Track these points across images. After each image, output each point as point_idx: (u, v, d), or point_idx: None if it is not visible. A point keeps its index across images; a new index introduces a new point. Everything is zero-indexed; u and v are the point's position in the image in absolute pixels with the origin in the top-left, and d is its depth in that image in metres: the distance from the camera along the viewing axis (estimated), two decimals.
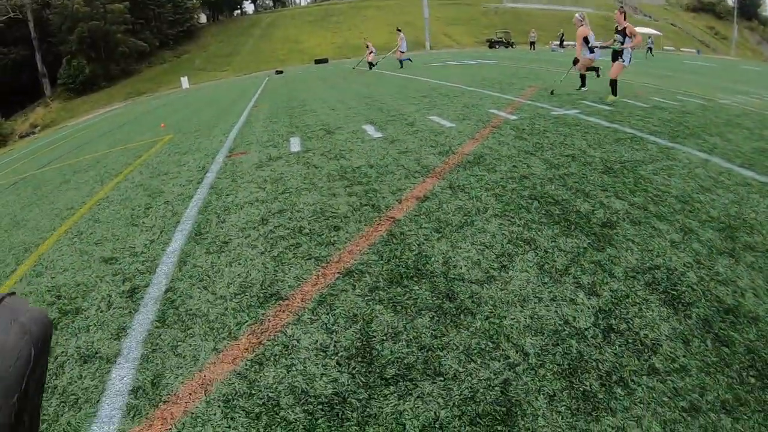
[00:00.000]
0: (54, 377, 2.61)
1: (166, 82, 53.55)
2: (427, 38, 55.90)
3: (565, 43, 52.65)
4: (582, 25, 11.26)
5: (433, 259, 3.35)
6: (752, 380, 2.20)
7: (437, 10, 70.72)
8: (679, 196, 4.40)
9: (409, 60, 23.52)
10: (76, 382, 2.53)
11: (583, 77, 11.54)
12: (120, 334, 2.88)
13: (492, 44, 56.99)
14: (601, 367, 2.29)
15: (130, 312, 3.12)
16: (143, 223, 4.84)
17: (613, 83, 9.92)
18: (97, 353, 2.73)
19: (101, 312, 3.19)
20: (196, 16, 77.90)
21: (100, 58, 58.11)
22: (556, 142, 6.36)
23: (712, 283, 2.99)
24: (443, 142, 6.61)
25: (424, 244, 3.59)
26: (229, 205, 4.90)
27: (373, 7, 79.51)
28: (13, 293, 1.11)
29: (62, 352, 2.80)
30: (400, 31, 23.21)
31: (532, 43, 48.28)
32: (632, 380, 2.21)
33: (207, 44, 69.91)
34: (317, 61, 50.46)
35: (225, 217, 4.57)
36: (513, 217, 3.96)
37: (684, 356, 2.36)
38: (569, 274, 3.09)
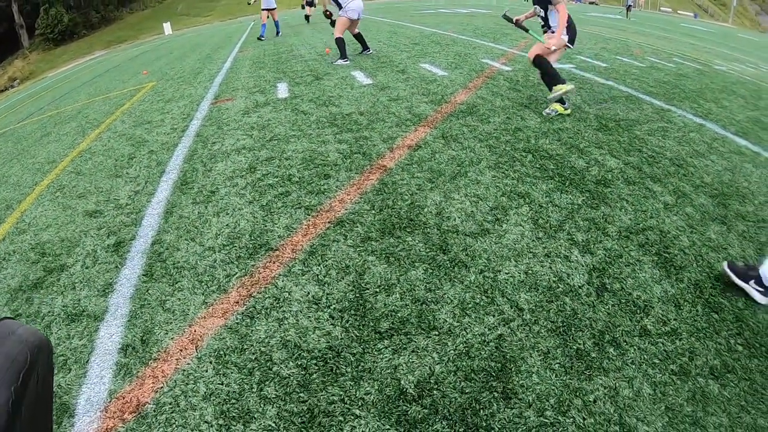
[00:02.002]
0: None
1: (148, 29, 51.97)
2: None
3: None
4: None
5: (426, 209, 3.30)
6: (740, 348, 2.22)
7: None
8: (673, 159, 4.37)
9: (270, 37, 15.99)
10: (63, 342, 2.46)
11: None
12: (107, 291, 2.81)
13: None
14: (594, 326, 2.28)
15: (117, 267, 3.04)
16: (127, 173, 4.68)
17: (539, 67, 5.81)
18: (84, 311, 2.66)
19: (87, 268, 3.10)
20: None
21: (79, 6, 56.30)
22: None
23: (704, 248, 2.99)
24: (435, 91, 6.47)
25: (416, 194, 3.53)
26: (216, 153, 4.77)
27: None
28: (9, 317, 1.22)
29: (48, 311, 2.73)
30: None
31: None
32: (624, 341, 2.21)
33: None
34: (304, 5, 49.26)
35: (211, 166, 4.45)
36: (507, 170, 3.90)
37: (675, 320, 2.36)
38: (563, 230, 3.06)
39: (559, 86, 5.54)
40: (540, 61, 5.62)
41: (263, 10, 15.60)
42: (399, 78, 7.38)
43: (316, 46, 12.13)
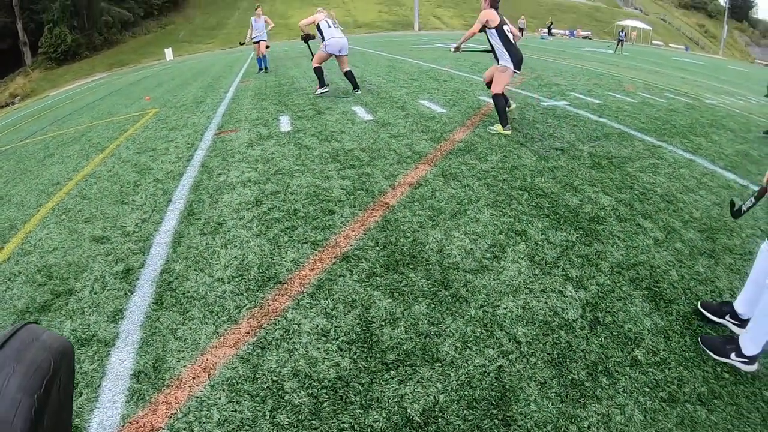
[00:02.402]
0: None
1: (150, 54, 52.67)
2: (416, 19, 55.51)
3: (553, 31, 52.75)
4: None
5: (427, 246, 3.44)
6: (726, 375, 2.35)
7: None
8: (663, 195, 4.56)
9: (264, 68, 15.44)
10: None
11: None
12: (117, 317, 2.90)
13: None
14: (587, 357, 2.40)
15: (126, 294, 3.13)
16: (133, 201, 4.81)
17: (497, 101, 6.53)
18: (94, 336, 2.74)
19: (95, 293, 3.19)
20: None
21: (83, 27, 56.99)
22: (546, 133, 6.46)
23: (693, 282, 3.14)
24: (434, 128, 6.67)
25: (418, 231, 3.67)
26: (221, 185, 4.91)
27: None
28: (33, 322, 1.18)
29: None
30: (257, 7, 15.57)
31: (522, 30, 48.39)
32: (616, 371, 2.34)
33: (192, 16, 68.74)
34: (304, 38, 50.06)
35: (218, 198, 4.58)
36: (504, 208, 4.06)
37: (664, 350, 2.49)
38: (558, 266, 3.20)
39: (499, 127, 6.51)
40: (496, 100, 6.48)
41: (255, 42, 15.21)
42: (399, 114, 7.59)
43: (316, 80, 12.38)
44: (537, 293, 2.90)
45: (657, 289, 3.02)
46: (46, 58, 54.28)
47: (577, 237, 3.62)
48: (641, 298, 2.92)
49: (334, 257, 3.34)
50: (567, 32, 62.07)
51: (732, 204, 3.29)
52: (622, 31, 34.19)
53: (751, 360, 2.44)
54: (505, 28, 6.60)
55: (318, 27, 9.06)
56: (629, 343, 2.53)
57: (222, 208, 4.33)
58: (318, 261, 3.31)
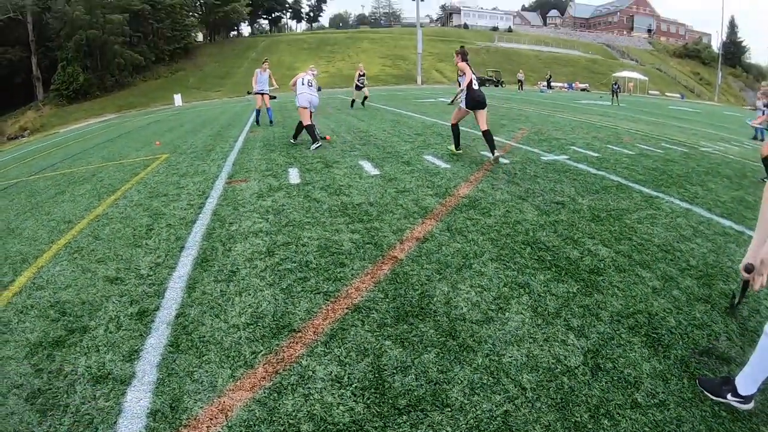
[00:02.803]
0: (65, 395, 2.70)
1: (159, 98, 53.81)
2: (419, 73, 56.85)
3: (552, 84, 53.99)
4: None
5: (435, 299, 3.57)
6: (723, 413, 2.47)
7: (430, 46, 72.10)
8: (661, 245, 4.73)
9: (263, 122, 15.61)
10: (89, 402, 2.62)
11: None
12: (132, 357, 3.00)
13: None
14: (590, 401, 2.51)
15: (141, 335, 3.24)
16: (146, 244, 4.97)
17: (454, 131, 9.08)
18: (109, 374, 2.84)
19: (110, 333, 3.30)
20: (193, 34, 78.91)
21: (96, 68, 58.47)
22: (546, 188, 6.67)
23: (690, 327, 3.28)
24: (440, 184, 6.89)
25: (426, 284, 3.81)
26: (234, 234, 5.07)
27: (367, 39, 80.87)
28: None
29: (72, 370, 2.90)
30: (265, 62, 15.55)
31: (520, 83, 49.61)
32: (617, 413, 2.45)
33: (202, 63, 70.40)
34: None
35: (231, 246, 4.73)
36: (508, 262, 4.21)
37: (663, 392, 2.61)
38: (560, 317, 3.33)
39: (452, 148, 9.27)
40: (452, 129, 9.10)
41: (256, 93, 15.09)
42: (405, 170, 7.82)
43: (322, 131, 12.71)
44: (540, 342, 3.02)
45: (655, 335, 3.14)
46: (57, 94, 55.63)
47: (578, 288, 3.76)
48: (640, 344, 3.04)
49: (346, 308, 3.47)
50: (566, 85, 63.43)
51: (733, 297, 3.62)
52: (615, 83, 35.28)
53: (746, 399, 2.55)
54: (474, 77, 8.57)
55: (295, 83, 10.37)
56: (629, 386, 2.64)
57: (235, 256, 4.48)
58: (331, 311, 3.44)
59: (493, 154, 8.28)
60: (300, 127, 10.73)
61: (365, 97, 21.25)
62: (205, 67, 68.80)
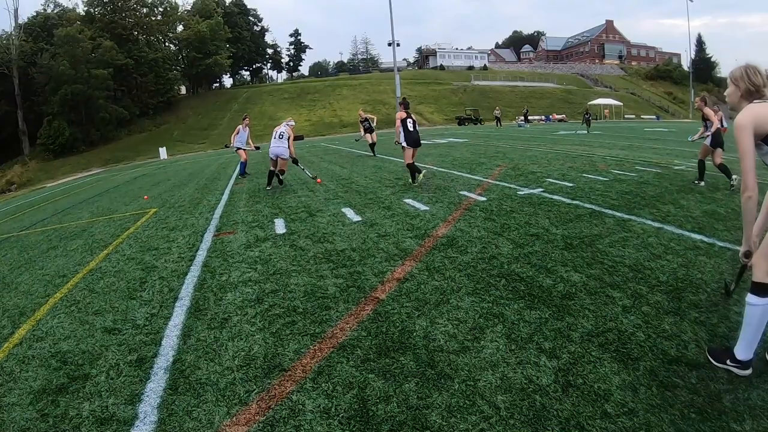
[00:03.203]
0: None
1: (144, 152, 54.43)
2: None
3: (529, 117, 55.18)
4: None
5: (414, 333, 3.80)
6: (693, 415, 2.67)
7: (409, 89, 73.49)
8: (631, 266, 5.01)
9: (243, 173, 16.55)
10: None
11: None
12: (134, 400, 3.19)
13: (461, 121, 59.58)
14: (561, 415, 2.73)
15: (141, 380, 3.44)
16: (141, 296, 5.21)
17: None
18: (113, 417, 3.02)
19: (111, 379, 3.49)
20: (176, 88, 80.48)
21: (81, 122, 59.37)
22: (522, 221, 6.99)
23: (659, 339, 3.50)
24: (419, 226, 7.18)
25: (406, 321, 4.04)
26: (224, 284, 5.31)
27: (347, 86, 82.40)
28: None
29: (76, 414, 3.08)
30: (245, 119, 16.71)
31: (498, 119, 50.69)
32: (588, 423, 2.65)
33: (186, 116, 71.38)
34: (294, 138, 51.86)
35: (222, 296, 4.97)
36: (483, 295, 4.46)
37: (632, 401, 2.81)
38: (533, 341, 3.57)
39: (419, 176, 11.02)
40: (409, 167, 11.16)
41: (237, 150, 16.29)
42: (385, 214, 8.13)
43: (307, 182, 13.06)
44: (513, 365, 3.25)
45: (624, 350, 3.37)
46: (44, 149, 56.35)
47: (550, 314, 4.01)
48: (610, 359, 3.27)
49: (332, 347, 3.69)
50: (543, 118, 64.80)
51: (726, 286, 4.05)
52: (587, 112, 36.38)
53: (743, 365, 2.99)
54: (408, 121, 11.07)
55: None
56: (599, 399, 2.86)
57: (227, 305, 4.71)
58: (317, 350, 3.66)
59: (414, 180, 11.09)
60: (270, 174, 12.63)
61: (372, 144, 20.32)
62: (188, 120, 69.80)
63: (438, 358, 3.41)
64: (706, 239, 5.80)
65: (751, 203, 2.84)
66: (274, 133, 12.27)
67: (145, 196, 13.98)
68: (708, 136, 9.92)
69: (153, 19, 77.67)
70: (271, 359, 3.58)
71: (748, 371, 2.99)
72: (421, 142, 11.55)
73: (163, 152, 48.98)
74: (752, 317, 2.93)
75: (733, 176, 9.05)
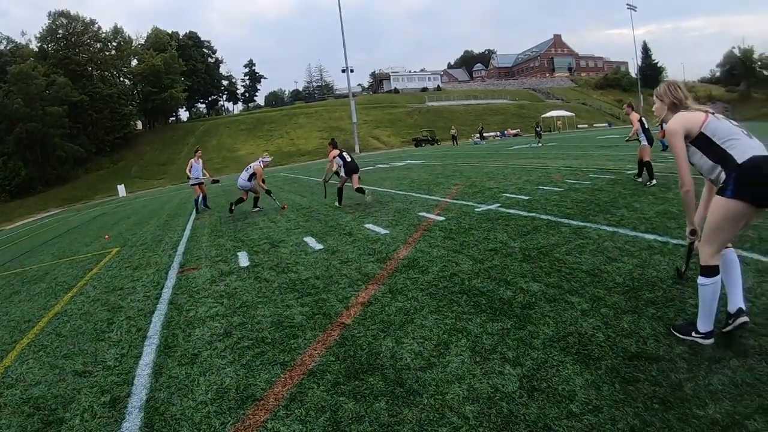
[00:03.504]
0: None
1: (103, 190, 53.49)
2: (356, 142, 58.19)
3: (485, 134, 56.19)
4: None
5: (381, 354, 3.92)
6: (656, 406, 2.84)
7: (365, 114, 74.13)
8: (588, 271, 5.24)
9: (205, 206, 16.75)
10: None
11: None
12: None
13: (418, 143, 60.27)
14: (528, 418, 2.87)
15: (116, 420, 3.46)
16: (109, 337, 5.19)
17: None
18: None
19: (86, 422, 3.50)
20: (132, 123, 79.28)
21: (37, 161, 58.15)
22: (480, 238, 7.21)
23: (618, 338, 3.71)
24: (380, 249, 7.32)
25: (372, 343, 4.15)
26: (192, 320, 5.33)
27: (303, 114, 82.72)
28: None
29: None
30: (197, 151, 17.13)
31: (454, 138, 51.44)
32: (555, 424, 2.80)
33: (143, 152, 70.52)
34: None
35: (190, 332, 4.99)
36: (446, 312, 4.61)
37: (596, 399, 2.98)
38: (497, 351, 3.72)
39: (367, 196, 12.14)
40: (338, 191, 12.95)
41: (193, 185, 16.41)
42: (347, 240, 8.26)
43: (268, 213, 13.10)
44: (479, 376, 3.40)
45: (586, 352, 3.56)
46: (0, 190, 54.39)
47: (512, 324, 4.18)
48: (572, 362, 3.45)
49: (302, 373, 3.77)
50: (498, 134, 66.06)
51: (677, 270, 4.49)
52: (537, 125, 37.44)
53: (707, 335, 3.48)
54: (344, 154, 12.52)
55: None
56: (564, 400, 3.02)
57: (195, 341, 4.74)
58: (288, 378, 3.73)
59: (365, 193, 12.18)
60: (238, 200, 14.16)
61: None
62: (146, 156, 69.00)
63: (406, 375, 3.53)
64: (659, 238, 6.11)
65: (690, 196, 3.45)
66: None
67: (106, 236, 13.83)
68: (636, 137, 11.53)
69: (107, 54, 77.08)
70: (243, 390, 3.64)
71: (711, 340, 3.47)
72: (379, 166, 11.85)
73: (121, 189, 48.29)
74: (705, 295, 3.45)
75: (653, 181, 10.35)
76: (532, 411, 2.94)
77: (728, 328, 3.49)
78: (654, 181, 10.42)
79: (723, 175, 3.30)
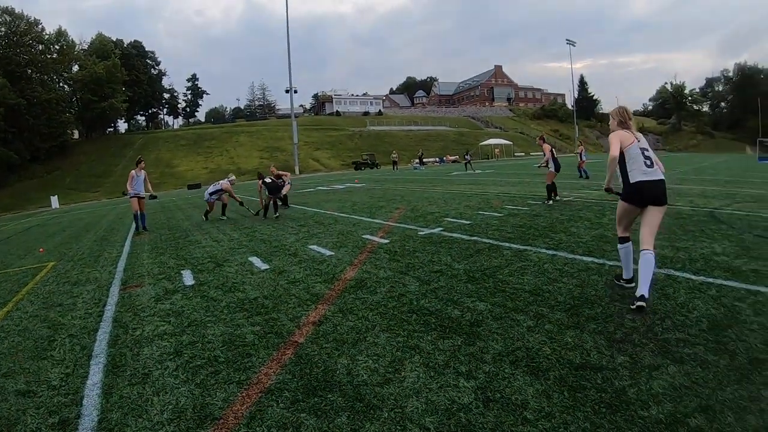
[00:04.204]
0: None
1: (36, 200, 50.99)
2: (296, 163, 57.95)
3: (424, 160, 57.11)
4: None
5: (338, 371, 3.99)
6: (604, 410, 3.09)
7: (306, 135, 73.99)
8: (531, 291, 5.58)
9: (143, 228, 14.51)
10: None
11: None
12: None
13: (358, 166, 60.57)
14: (486, 427, 3.03)
15: None
16: (52, 356, 4.99)
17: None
18: None
19: None
20: (69, 131, 75.73)
21: None
22: (425, 260, 7.41)
23: (563, 351, 3.99)
24: (326, 270, 7.40)
25: (327, 361, 4.22)
26: (139, 339, 5.21)
27: (244, 132, 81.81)
28: None
29: None
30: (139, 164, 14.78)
31: (395, 163, 52.01)
32: (512, 430, 2.98)
33: (79, 162, 67.66)
34: (190, 186, 50.85)
35: (138, 351, 4.88)
36: (397, 330, 4.75)
37: (548, 406, 3.19)
38: (450, 366, 3.89)
39: (275, 214, 14.30)
40: (265, 208, 15.04)
41: (131, 197, 14.34)
42: (292, 261, 8.29)
43: (210, 232, 12.93)
44: (436, 390, 3.54)
45: (534, 364, 3.79)
46: None
47: (462, 340, 4.37)
48: (522, 373, 3.67)
49: (260, 392, 3.79)
50: (437, 160, 67.26)
51: (616, 277, 5.78)
52: (467, 153, 38.62)
53: (628, 281, 5.45)
54: (266, 179, 14.87)
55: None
56: (518, 408, 3.21)
57: (145, 359, 4.65)
58: (246, 396, 3.74)
59: (276, 211, 14.55)
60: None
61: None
62: (81, 166, 66.28)
63: (364, 391, 3.63)
64: (597, 260, 6.57)
65: (614, 163, 5.17)
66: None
67: (41, 249, 13.23)
68: (546, 165, 13.51)
69: (48, 57, 73.27)
70: (200, 410, 3.62)
71: (632, 284, 5.33)
72: (319, 188, 12.00)
73: (54, 201, 46.10)
74: (621, 255, 5.49)
75: (557, 198, 12.33)
76: (489, 420, 3.11)
77: (633, 306, 4.77)
78: (551, 202, 12.57)
79: (621, 184, 5.24)
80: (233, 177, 16.87)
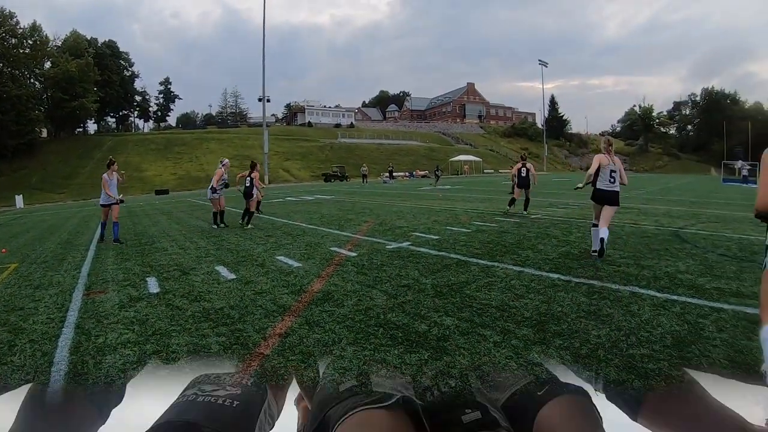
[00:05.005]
0: None
1: (0, 198, 49.36)
2: (266, 172, 57.63)
3: (394, 174, 57.38)
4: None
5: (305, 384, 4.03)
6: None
7: (276, 145, 73.60)
8: (498, 306, 5.64)
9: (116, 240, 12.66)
10: None
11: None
12: None
13: (328, 178, 60.50)
14: None
15: None
16: (12, 361, 4.85)
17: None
18: None
19: None
20: (38, 130, 73.52)
21: None
22: (393, 274, 7.47)
23: (529, 366, 4.03)
24: (294, 282, 7.38)
25: (293, 373, 4.22)
26: (102, 347, 5.11)
27: (215, 139, 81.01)
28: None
29: None
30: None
31: (364, 176, 52.11)
32: None
33: (46, 162, 65.84)
34: (158, 192, 50.19)
35: (101, 359, 4.78)
36: (364, 344, 4.77)
37: None
38: (416, 381, 3.94)
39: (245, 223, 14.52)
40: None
41: (103, 205, 13.07)
42: (260, 272, 8.25)
43: (177, 239, 12.79)
44: None
45: (500, 379, 3.83)
46: None
47: (429, 355, 4.39)
48: (488, 389, 3.71)
49: None
50: (407, 174, 67.63)
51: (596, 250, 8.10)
52: (437, 168, 39.20)
53: (594, 252, 8.32)
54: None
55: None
56: None
57: (108, 368, 4.55)
58: None
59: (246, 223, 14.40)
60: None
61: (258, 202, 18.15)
62: (48, 166, 64.56)
63: None
64: (563, 277, 6.71)
65: (588, 177, 8.51)
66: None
67: (4, 249, 12.87)
68: (514, 184, 15.59)
69: (21, 51, 70.98)
70: None
71: (596, 254, 8.03)
72: (288, 198, 11.95)
73: (19, 200, 44.86)
74: (592, 234, 8.50)
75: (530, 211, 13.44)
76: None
77: (593, 253, 8.02)
78: (510, 208, 14.44)
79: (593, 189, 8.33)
80: (226, 160, 15.82)
